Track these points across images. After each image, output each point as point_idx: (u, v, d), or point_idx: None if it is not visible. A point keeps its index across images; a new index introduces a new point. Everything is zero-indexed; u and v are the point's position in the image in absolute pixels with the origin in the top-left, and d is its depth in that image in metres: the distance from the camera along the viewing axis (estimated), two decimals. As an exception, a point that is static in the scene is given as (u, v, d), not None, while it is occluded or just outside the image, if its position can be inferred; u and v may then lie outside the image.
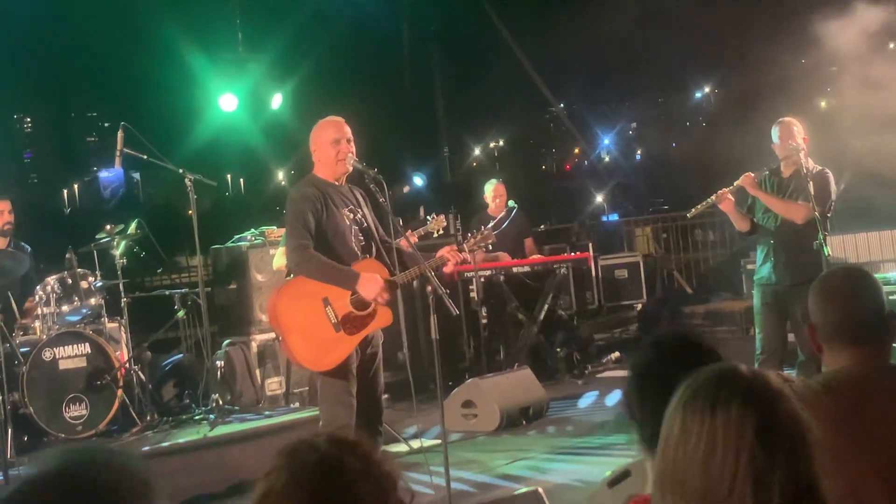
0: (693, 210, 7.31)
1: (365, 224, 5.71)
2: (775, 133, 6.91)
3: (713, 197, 6.88)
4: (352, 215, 5.64)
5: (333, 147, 5.58)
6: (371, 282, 5.40)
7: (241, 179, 36.13)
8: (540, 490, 4.25)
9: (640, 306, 12.82)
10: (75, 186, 45.44)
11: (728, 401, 1.67)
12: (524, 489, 4.90)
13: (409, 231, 6.76)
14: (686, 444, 1.67)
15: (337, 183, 5.65)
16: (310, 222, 5.40)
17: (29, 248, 7.98)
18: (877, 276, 7.69)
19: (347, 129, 5.67)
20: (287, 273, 5.79)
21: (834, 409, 2.43)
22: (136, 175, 44.65)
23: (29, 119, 49.83)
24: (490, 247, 6.24)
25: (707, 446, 1.65)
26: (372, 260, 5.67)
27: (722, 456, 1.63)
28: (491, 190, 10.44)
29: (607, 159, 31.73)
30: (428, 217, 7.08)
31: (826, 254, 6.51)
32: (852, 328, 2.69)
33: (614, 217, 18.21)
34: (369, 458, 1.59)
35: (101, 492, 1.25)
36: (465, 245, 5.87)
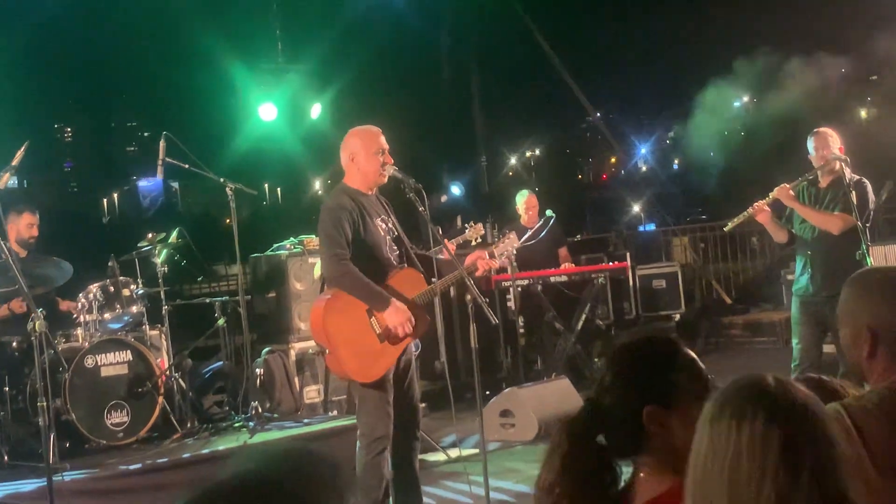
0: (730, 224, 7.25)
1: (396, 233, 5.69)
2: (811, 144, 6.89)
3: (750, 209, 6.85)
4: (384, 225, 5.62)
5: (378, 157, 5.54)
6: (398, 313, 5.35)
7: (279, 189, 36.35)
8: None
9: (678, 316, 12.74)
10: (115, 196, 45.90)
11: (754, 417, 1.65)
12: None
13: (447, 240, 6.77)
14: (713, 461, 1.66)
15: (369, 193, 5.62)
16: (347, 232, 5.36)
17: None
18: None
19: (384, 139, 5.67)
20: (322, 283, 5.79)
21: (889, 429, 2.30)
22: (175, 185, 45.01)
23: (69, 129, 50.40)
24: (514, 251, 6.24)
25: (732, 463, 1.63)
26: (410, 270, 5.67)
27: (747, 473, 1.62)
28: (523, 202, 10.37)
29: (644, 169, 31.61)
30: (465, 226, 7.08)
31: (869, 264, 6.46)
32: None
33: (651, 227, 18.14)
34: None
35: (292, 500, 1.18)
36: (493, 250, 5.87)
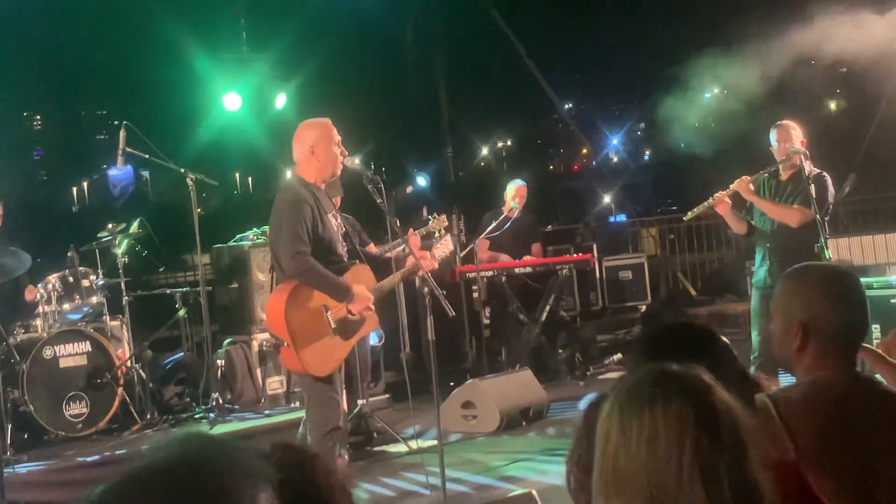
0: (690, 213, 7.32)
1: (343, 229, 5.75)
2: (773, 136, 6.93)
3: (710, 200, 6.90)
4: (335, 220, 5.65)
5: (336, 149, 5.55)
6: (362, 298, 5.51)
7: (250, 178, 36.15)
8: (534, 492, 4.24)
9: (643, 308, 12.79)
10: (84, 184, 45.50)
11: (665, 397, 1.68)
12: (518, 491, 4.90)
13: (412, 231, 6.78)
14: (627, 446, 1.67)
15: (321, 187, 5.62)
16: (308, 227, 5.35)
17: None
18: (883, 279, 7.72)
19: None
20: (272, 275, 5.82)
21: (813, 421, 2.34)
22: (146, 173, 44.63)
23: (38, 117, 49.89)
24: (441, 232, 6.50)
25: (649, 442, 1.65)
26: (363, 266, 5.74)
27: (665, 449, 1.63)
28: (514, 189, 10.29)
29: (615, 160, 31.69)
30: (429, 217, 7.09)
31: (827, 257, 6.50)
32: (860, 334, 2.57)
33: (622, 218, 18.19)
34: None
35: (218, 492, 1.15)
36: (434, 252, 6.04)
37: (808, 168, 6.76)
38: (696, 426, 1.63)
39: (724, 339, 2.32)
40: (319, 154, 5.52)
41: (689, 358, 2.07)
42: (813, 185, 6.63)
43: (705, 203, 6.95)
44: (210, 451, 1.19)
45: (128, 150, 7.73)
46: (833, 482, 2.25)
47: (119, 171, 45.45)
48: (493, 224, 9.78)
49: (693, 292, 13.87)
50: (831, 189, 6.89)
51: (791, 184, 6.90)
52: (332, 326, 5.45)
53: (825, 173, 6.87)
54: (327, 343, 5.43)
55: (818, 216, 6.55)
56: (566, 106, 19.79)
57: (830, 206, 6.86)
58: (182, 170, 7.73)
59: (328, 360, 5.42)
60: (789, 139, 6.84)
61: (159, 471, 1.15)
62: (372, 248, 6.67)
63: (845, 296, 2.56)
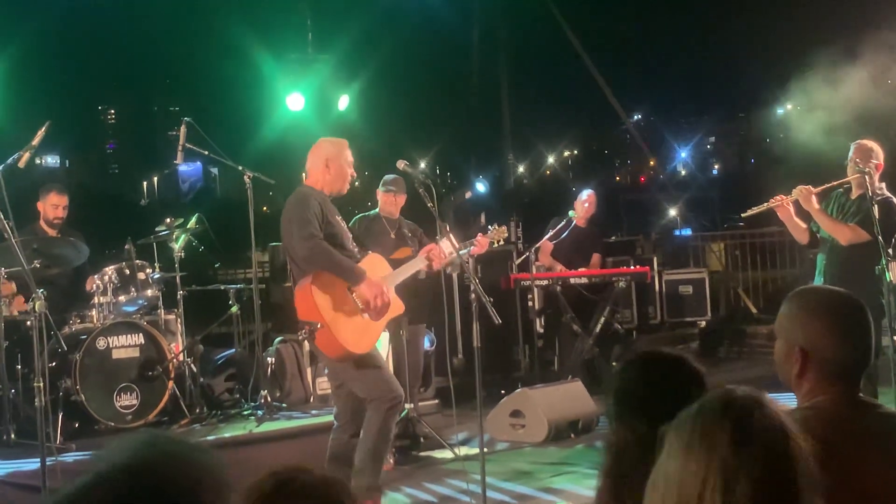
0: (749, 211, 7.22)
1: (353, 235, 6.04)
2: (850, 153, 6.82)
3: (772, 200, 6.82)
4: (344, 225, 5.90)
5: (349, 167, 5.88)
6: (372, 286, 5.62)
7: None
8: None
9: (703, 323, 12.62)
10: (154, 179, 46.27)
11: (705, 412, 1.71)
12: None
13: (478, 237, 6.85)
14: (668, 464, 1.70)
15: (329, 197, 5.86)
16: (318, 216, 5.58)
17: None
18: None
19: None
20: (289, 271, 5.92)
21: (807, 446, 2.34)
22: (215, 170, 45.30)
23: (113, 111, 50.85)
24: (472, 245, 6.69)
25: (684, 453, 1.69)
26: (375, 254, 5.99)
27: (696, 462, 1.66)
28: (585, 196, 10.25)
29: (683, 173, 31.41)
30: (489, 227, 7.08)
31: (888, 280, 6.36)
32: (861, 367, 2.51)
33: (687, 231, 17.98)
34: None
35: (178, 490, 1.17)
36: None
37: (873, 189, 6.62)
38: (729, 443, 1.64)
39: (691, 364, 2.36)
40: (333, 169, 5.81)
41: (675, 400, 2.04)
42: (877, 207, 6.50)
43: (766, 203, 6.87)
44: (172, 451, 1.18)
45: (188, 146, 7.80)
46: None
47: (189, 168, 46.17)
48: (551, 232, 9.71)
49: (754, 310, 13.62)
50: None
51: (857, 203, 6.79)
52: (360, 306, 5.62)
53: (894, 198, 6.73)
54: (360, 321, 5.62)
55: (880, 238, 6.41)
56: (635, 117, 19.63)
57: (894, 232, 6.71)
58: (240, 167, 7.79)
59: (364, 337, 5.60)
60: (864, 158, 6.71)
61: (123, 471, 1.14)
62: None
63: (848, 328, 2.51)
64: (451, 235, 6.21)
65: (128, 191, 39.01)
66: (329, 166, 5.78)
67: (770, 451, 1.65)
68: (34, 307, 5.18)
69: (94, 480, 1.14)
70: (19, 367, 7.12)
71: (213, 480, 1.17)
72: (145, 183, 44.33)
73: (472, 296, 5.62)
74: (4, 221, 5.50)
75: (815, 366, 2.48)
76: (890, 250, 6.57)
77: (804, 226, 6.93)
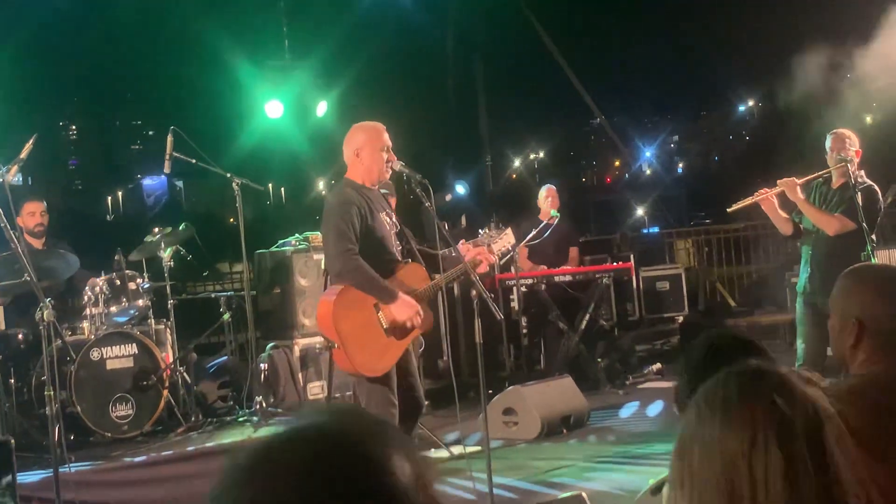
0: (734, 206, 7.31)
1: (398, 227, 5.77)
2: (828, 143, 6.92)
3: (757, 194, 6.90)
4: (388, 219, 5.68)
5: (383, 154, 5.60)
6: (407, 307, 5.43)
7: (283, 189, 36.35)
8: (583, 494, 4.26)
9: (681, 318, 12.76)
10: (119, 194, 45.92)
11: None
12: (569, 493, 4.92)
13: (463, 242, 6.83)
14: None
15: (372, 188, 5.67)
16: (356, 226, 5.40)
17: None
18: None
19: None
20: (325, 278, 5.84)
21: (862, 409, 2.39)
22: (180, 183, 45.03)
23: (74, 126, 50.38)
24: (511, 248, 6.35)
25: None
26: (415, 264, 5.74)
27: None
28: (545, 192, 10.33)
29: (648, 172, 31.66)
30: (481, 230, 7.10)
31: (874, 266, 6.47)
32: None
33: (655, 230, 18.17)
34: None
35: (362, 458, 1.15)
36: (492, 246, 5.91)
37: (856, 177, 6.73)
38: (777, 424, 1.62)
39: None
40: (364, 157, 5.59)
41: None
42: (861, 195, 6.61)
43: (751, 197, 6.96)
44: (355, 421, 1.22)
45: (175, 154, 7.80)
46: (886, 468, 2.28)
47: (153, 181, 45.92)
48: (534, 232, 9.77)
49: (732, 303, 13.80)
50: (881, 202, 6.86)
51: (839, 192, 6.87)
52: (385, 326, 5.46)
53: (875, 186, 6.84)
54: (380, 343, 5.44)
55: (865, 226, 6.52)
56: (597, 120, 19.79)
57: (878, 219, 6.84)
58: (228, 174, 7.81)
59: (381, 360, 5.44)
60: (842, 147, 6.82)
61: (306, 435, 1.18)
62: None
63: None
64: (509, 228, 6.15)
65: (92, 207, 38.66)
66: (360, 156, 5.59)
67: (809, 423, 1.65)
68: (43, 316, 5.18)
69: (292, 434, 1.18)
70: (13, 381, 7.11)
71: (395, 450, 1.20)
72: (109, 198, 44.02)
73: (473, 292, 5.64)
74: (11, 231, 5.50)
75: (870, 336, 2.59)
76: (874, 237, 6.70)
77: (787, 216, 7.03)
